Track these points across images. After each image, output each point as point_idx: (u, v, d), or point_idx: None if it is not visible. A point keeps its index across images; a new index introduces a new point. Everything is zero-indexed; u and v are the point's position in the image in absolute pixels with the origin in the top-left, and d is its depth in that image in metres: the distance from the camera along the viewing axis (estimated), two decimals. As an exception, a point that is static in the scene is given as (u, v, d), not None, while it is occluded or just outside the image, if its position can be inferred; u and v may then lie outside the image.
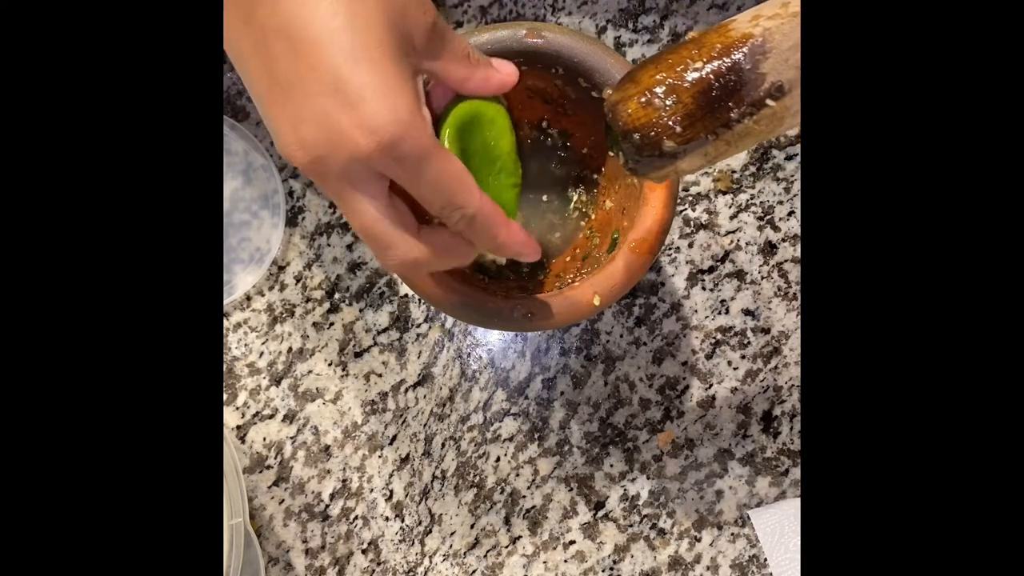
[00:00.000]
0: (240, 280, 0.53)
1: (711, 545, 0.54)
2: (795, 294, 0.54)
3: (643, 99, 0.32)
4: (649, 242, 0.40)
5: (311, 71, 0.28)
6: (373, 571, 0.54)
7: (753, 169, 0.54)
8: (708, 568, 0.54)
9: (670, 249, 0.54)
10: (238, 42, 0.30)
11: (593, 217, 0.46)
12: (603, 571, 0.54)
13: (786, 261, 0.54)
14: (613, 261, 0.40)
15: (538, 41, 0.40)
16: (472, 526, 0.54)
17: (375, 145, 0.29)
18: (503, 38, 0.40)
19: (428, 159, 0.30)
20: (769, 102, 0.31)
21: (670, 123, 0.32)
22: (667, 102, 0.32)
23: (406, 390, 0.54)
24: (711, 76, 0.31)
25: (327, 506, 0.53)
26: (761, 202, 0.54)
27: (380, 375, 0.54)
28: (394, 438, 0.54)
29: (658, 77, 0.32)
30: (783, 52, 0.31)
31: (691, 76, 0.31)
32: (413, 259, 0.33)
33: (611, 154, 0.44)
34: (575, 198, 0.47)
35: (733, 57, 0.31)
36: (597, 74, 0.41)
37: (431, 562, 0.54)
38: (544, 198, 0.47)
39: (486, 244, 0.34)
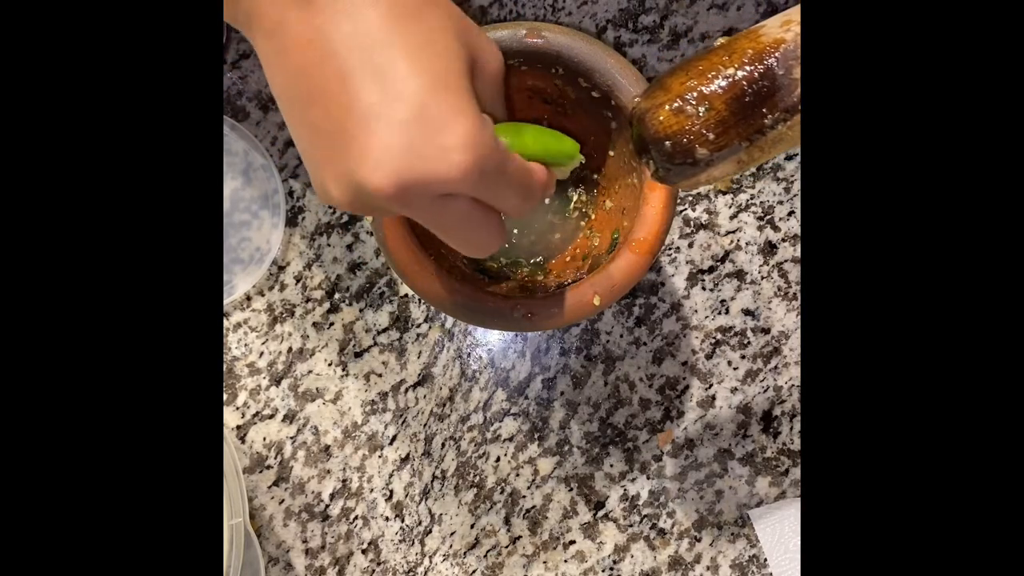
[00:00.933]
0: (240, 280, 0.53)
1: (711, 545, 0.54)
2: (795, 294, 0.54)
3: (674, 106, 0.32)
4: (649, 242, 0.40)
5: (396, 101, 0.29)
6: (373, 571, 0.54)
7: (753, 169, 0.54)
8: (708, 568, 0.54)
9: (670, 249, 0.54)
10: (294, 80, 0.30)
11: (593, 217, 0.46)
12: (603, 571, 0.54)
13: (786, 261, 0.54)
14: (614, 261, 0.40)
15: (538, 41, 0.40)
16: (472, 526, 0.54)
17: (467, 166, 0.29)
18: (503, 38, 0.40)
19: (505, 169, 0.31)
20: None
21: (703, 130, 0.31)
22: (699, 109, 0.31)
23: (406, 390, 0.54)
24: (744, 82, 0.31)
25: (327, 506, 0.53)
26: (761, 202, 0.54)
27: (380, 375, 0.54)
28: (394, 438, 0.54)
29: (689, 84, 0.31)
30: None
31: (723, 82, 0.31)
32: (503, 236, 0.34)
33: (611, 154, 0.44)
34: (575, 198, 0.47)
35: (766, 62, 0.31)
36: (597, 74, 0.41)
37: (431, 562, 0.54)
38: (544, 199, 0.47)
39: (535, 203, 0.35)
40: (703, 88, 0.31)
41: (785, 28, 0.31)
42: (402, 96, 0.29)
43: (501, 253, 0.47)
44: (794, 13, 0.32)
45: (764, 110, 0.31)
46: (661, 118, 0.32)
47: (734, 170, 0.33)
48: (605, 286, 0.40)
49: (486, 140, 0.29)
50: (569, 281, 0.44)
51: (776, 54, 0.31)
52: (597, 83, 0.41)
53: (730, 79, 0.31)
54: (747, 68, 0.31)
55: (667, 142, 0.32)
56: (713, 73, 0.31)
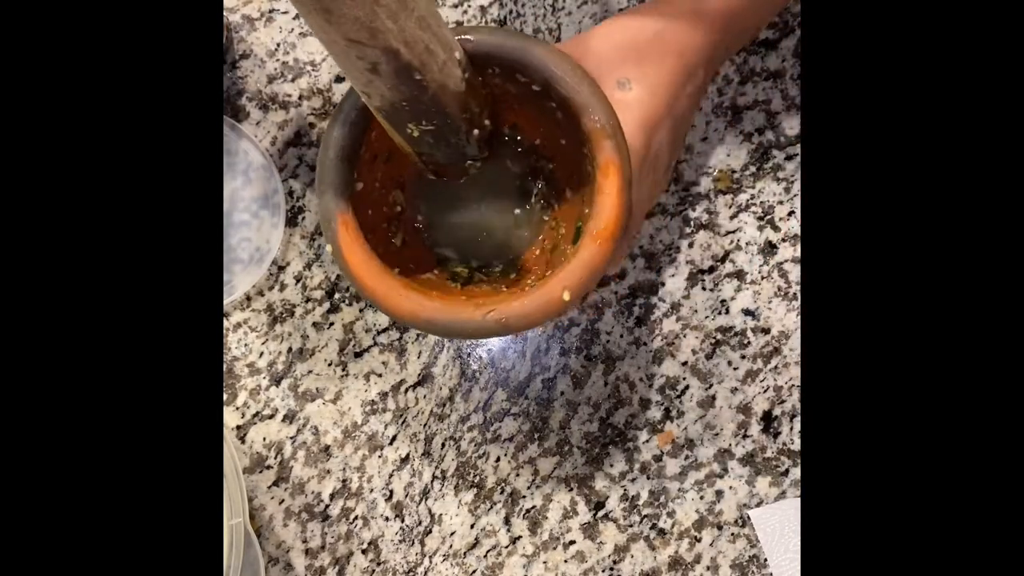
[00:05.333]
0: (240, 280, 0.53)
1: (711, 545, 0.54)
2: (795, 294, 0.54)
3: None
4: (610, 230, 0.40)
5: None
6: (373, 571, 0.54)
7: (753, 169, 0.54)
8: (708, 568, 0.54)
9: (670, 249, 0.54)
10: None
11: (556, 207, 0.46)
12: (603, 571, 0.54)
13: (786, 261, 0.54)
14: (577, 254, 0.40)
15: (466, 45, 0.39)
16: (472, 526, 0.54)
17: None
18: None
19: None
20: None
21: None
22: None
23: (406, 390, 0.54)
24: None
25: (327, 506, 0.53)
26: (761, 202, 0.54)
27: (380, 375, 0.54)
28: (394, 438, 0.54)
29: None
30: None
31: None
32: None
33: (563, 142, 0.43)
34: (535, 189, 0.46)
35: None
36: (531, 69, 0.40)
37: (431, 562, 0.54)
38: (509, 193, 0.47)
39: None
40: None
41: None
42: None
43: (472, 256, 0.47)
44: None
45: None
46: None
47: None
48: (572, 280, 0.39)
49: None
50: (541, 276, 0.44)
51: None
52: (533, 78, 0.40)
53: None
54: None
55: None
56: None
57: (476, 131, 0.40)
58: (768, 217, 0.54)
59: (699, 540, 0.54)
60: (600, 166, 0.40)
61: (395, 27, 0.33)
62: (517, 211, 0.46)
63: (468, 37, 0.39)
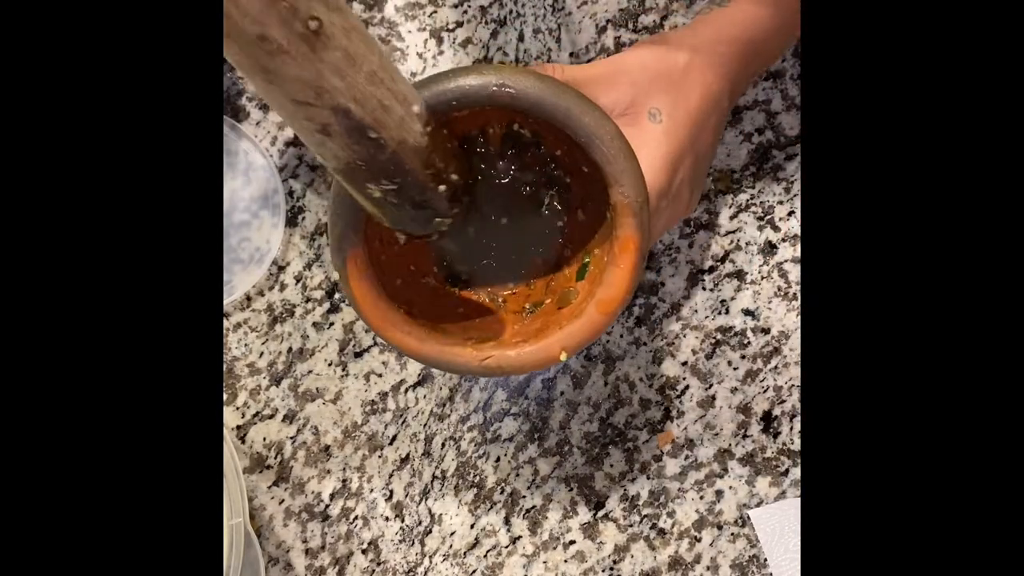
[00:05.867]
0: (240, 280, 0.53)
1: (711, 545, 0.54)
2: (795, 294, 0.54)
3: None
4: (616, 303, 0.41)
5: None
6: (373, 571, 0.54)
7: (753, 169, 0.54)
8: (708, 568, 0.54)
9: (670, 249, 0.54)
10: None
11: (566, 226, 0.46)
12: (603, 571, 0.54)
13: (786, 261, 0.54)
14: (580, 317, 0.41)
15: (505, 97, 0.38)
16: (472, 526, 0.54)
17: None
18: (470, 91, 0.38)
19: None
20: None
21: None
22: None
23: (406, 390, 0.54)
24: None
25: (327, 506, 0.53)
26: (761, 202, 0.54)
27: (380, 375, 0.54)
28: (394, 438, 0.54)
29: None
30: None
31: None
32: None
33: (584, 170, 0.43)
34: (547, 201, 0.46)
35: None
36: (572, 129, 0.39)
37: (431, 562, 0.54)
38: (520, 197, 0.46)
39: None
40: None
41: None
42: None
43: (475, 263, 0.47)
44: None
45: None
46: None
47: None
48: (571, 342, 0.41)
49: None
50: (536, 304, 0.45)
51: None
52: (575, 134, 0.39)
53: None
54: None
55: None
56: None
57: (442, 187, 0.38)
58: (768, 217, 0.54)
59: (699, 540, 0.54)
60: (619, 239, 0.40)
61: (343, 84, 0.31)
62: (526, 219, 0.46)
63: (510, 90, 0.38)
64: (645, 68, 0.45)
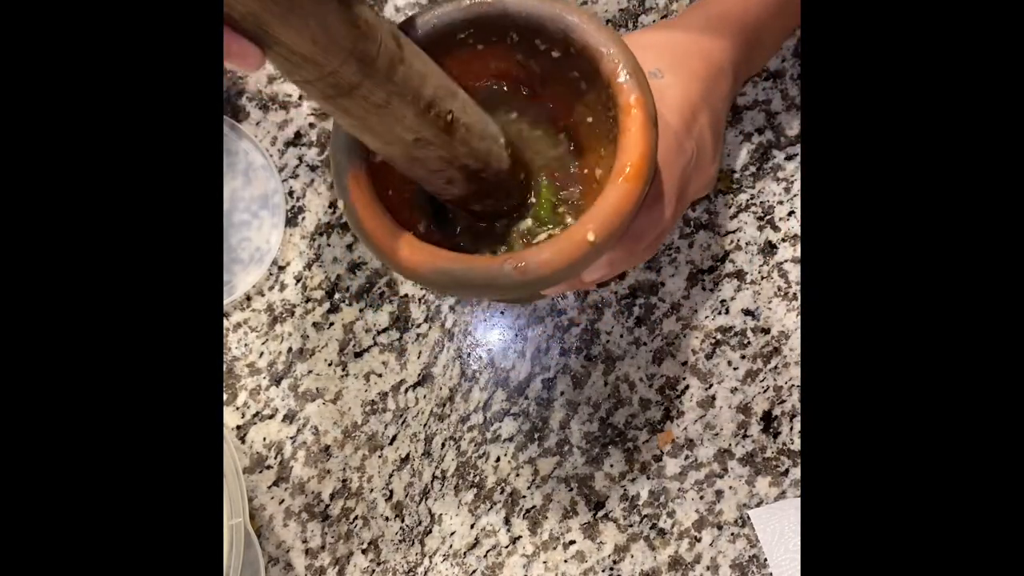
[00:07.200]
0: (240, 280, 0.53)
1: (711, 545, 0.54)
2: (795, 294, 0.54)
3: None
4: (637, 166, 0.36)
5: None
6: (373, 571, 0.54)
7: (753, 169, 0.54)
8: (708, 568, 0.54)
9: (670, 249, 0.54)
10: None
11: (573, 150, 0.44)
12: (603, 571, 0.54)
13: (786, 261, 0.54)
14: (602, 194, 0.37)
15: (483, 4, 0.39)
16: (472, 526, 0.54)
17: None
18: (447, 12, 0.39)
19: None
20: None
21: None
22: None
23: (406, 390, 0.54)
24: None
25: (327, 506, 0.53)
26: (761, 202, 0.54)
27: (380, 375, 0.54)
28: (394, 438, 0.54)
29: None
30: None
31: None
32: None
33: (589, 120, 0.42)
34: (562, 142, 0.44)
35: None
36: (548, 22, 0.39)
37: (431, 562, 0.54)
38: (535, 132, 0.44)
39: None
40: None
41: None
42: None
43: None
44: None
45: None
46: None
47: None
48: (597, 221, 0.36)
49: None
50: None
51: None
52: (552, 36, 0.39)
53: None
54: None
55: None
56: None
57: (518, 182, 0.42)
58: (768, 217, 0.54)
59: (699, 540, 0.54)
60: (622, 106, 0.37)
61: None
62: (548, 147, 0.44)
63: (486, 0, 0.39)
64: (639, 45, 0.43)
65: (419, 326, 0.54)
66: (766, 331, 0.54)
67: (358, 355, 0.54)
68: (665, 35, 0.47)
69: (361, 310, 0.54)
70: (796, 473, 0.54)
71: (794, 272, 0.54)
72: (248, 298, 0.53)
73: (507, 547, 0.54)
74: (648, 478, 0.54)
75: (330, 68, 0.30)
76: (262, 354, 0.53)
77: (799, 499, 0.53)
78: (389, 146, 0.36)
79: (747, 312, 0.54)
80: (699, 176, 0.45)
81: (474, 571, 0.54)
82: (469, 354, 0.54)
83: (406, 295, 0.54)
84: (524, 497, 0.54)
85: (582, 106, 0.42)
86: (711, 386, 0.54)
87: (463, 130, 0.37)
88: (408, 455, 0.54)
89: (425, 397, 0.54)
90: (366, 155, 0.39)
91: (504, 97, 0.44)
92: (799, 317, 0.54)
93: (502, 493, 0.54)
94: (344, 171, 0.38)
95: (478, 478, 0.54)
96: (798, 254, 0.54)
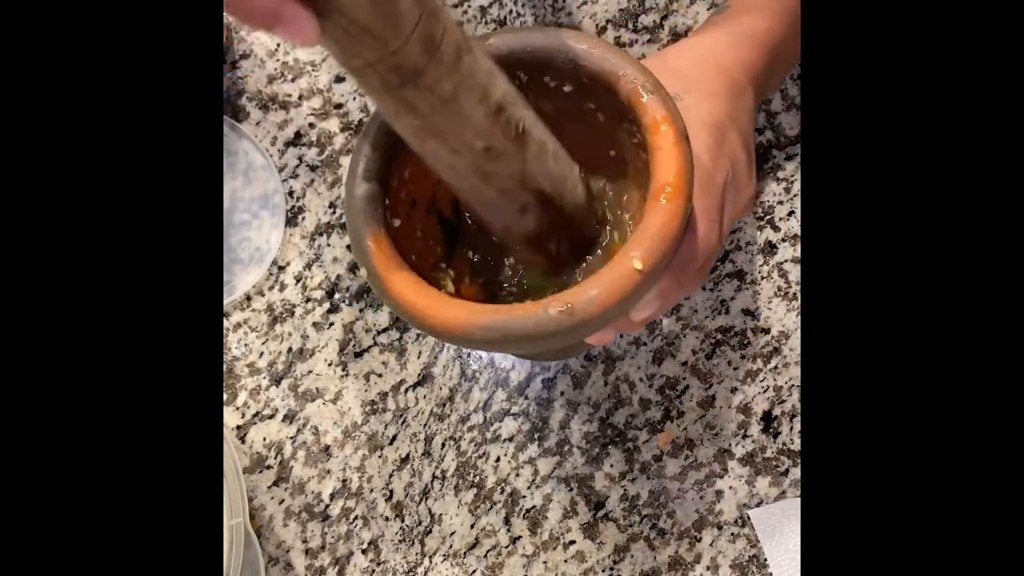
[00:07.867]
0: (240, 280, 0.53)
1: (711, 545, 0.54)
2: (795, 294, 0.54)
3: None
4: (676, 184, 0.33)
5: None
6: (373, 571, 0.54)
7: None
8: (708, 568, 0.54)
9: (670, 249, 0.54)
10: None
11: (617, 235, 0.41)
12: (603, 571, 0.54)
13: (786, 261, 0.54)
14: (643, 220, 0.34)
15: (491, 50, 0.36)
16: (472, 526, 0.54)
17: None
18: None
19: None
20: None
21: None
22: None
23: (406, 390, 0.54)
24: None
25: (327, 506, 0.53)
26: (761, 202, 0.54)
27: (380, 375, 0.54)
28: (394, 438, 0.54)
29: None
30: None
31: None
32: None
33: (612, 154, 0.40)
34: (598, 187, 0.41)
35: None
36: (557, 58, 0.36)
37: (431, 562, 0.54)
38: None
39: None
40: None
41: None
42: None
43: (525, 276, 0.41)
44: None
45: None
46: None
47: None
48: (641, 247, 0.33)
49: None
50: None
51: None
52: (562, 69, 0.37)
53: None
54: None
55: None
56: None
57: (594, 219, 0.40)
58: (768, 217, 0.54)
59: (699, 540, 0.54)
60: (648, 126, 0.35)
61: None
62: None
63: (491, 42, 0.36)
64: (657, 68, 0.41)
65: (419, 326, 0.54)
66: (766, 331, 0.54)
67: (358, 355, 0.54)
68: (684, 52, 0.46)
69: (361, 310, 0.54)
70: (796, 473, 0.54)
71: (794, 272, 0.54)
72: (248, 298, 0.53)
73: (507, 547, 0.54)
74: (648, 478, 0.54)
75: (393, 46, 0.28)
76: (262, 354, 0.53)
77: (799, 499, 0.53)
78: (456, 155, 0.33)
79: (747, 312, 0.54)
80: (738, 195, 0.44)
81: (474, 571, 0.54)
82: (469, 354, 0.54)
83: (406, 295, 0.54)
84: (524, 497, 0.54)
85: (602, 140, 0.39)
86: (711, 386, 0.54)
87: (536, 146, 0.34)
88: (408, 455, 0.54)
89: (425, 397, 0.54)
90: (383, 216, 0.36)
91: None
92: (799, 317, 0.54)
93: (502, 493, 0.54)
94: (363, 234, 0.35)
95: (478, 478, 0.54)
96: (798, 254, 0.54)
